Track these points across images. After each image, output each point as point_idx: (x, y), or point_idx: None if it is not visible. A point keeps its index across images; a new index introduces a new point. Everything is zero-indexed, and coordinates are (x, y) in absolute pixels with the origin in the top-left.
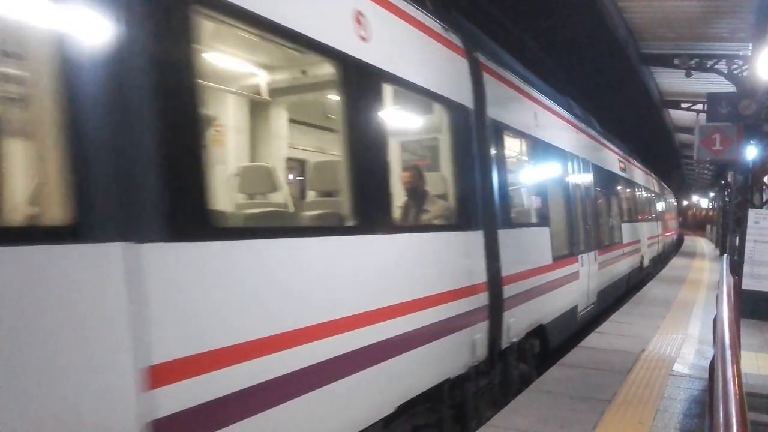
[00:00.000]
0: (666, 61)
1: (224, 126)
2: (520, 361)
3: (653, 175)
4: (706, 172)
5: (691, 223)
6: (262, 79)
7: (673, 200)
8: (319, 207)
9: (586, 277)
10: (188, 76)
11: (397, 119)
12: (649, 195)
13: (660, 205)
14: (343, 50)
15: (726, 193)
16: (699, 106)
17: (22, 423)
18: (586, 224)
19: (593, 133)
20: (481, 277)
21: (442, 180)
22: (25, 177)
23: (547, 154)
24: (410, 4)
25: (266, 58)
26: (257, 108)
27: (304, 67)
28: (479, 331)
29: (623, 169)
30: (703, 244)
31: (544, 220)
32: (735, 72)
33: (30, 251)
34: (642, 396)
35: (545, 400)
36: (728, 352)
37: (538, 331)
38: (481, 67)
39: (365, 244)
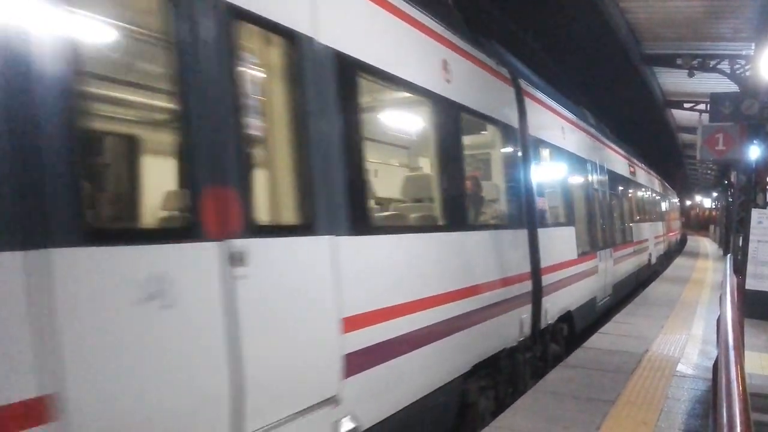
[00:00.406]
0: (668, 61)
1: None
2: (553, 341)
3: (658, 177)
4: (709, 172)
5: (695, 223)
6: (388, 117)
7: (676, 201)
8: (419, 210)
9: (603, 272)
10: (359, 126)
11: (466, 140)
12: (655, 196)
13: (665, 206)
14: (436, 91)
15: (729, 193)
16: (702, 106)
17: (287, 349)
18: (603, 224)
19: (606, 140)
20: (527, 267)
21: (495, 187)
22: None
23: (572, 162)
24: (474, 47)
25: (385, 99)
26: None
27: (409, 104)
28: (525, 312)
29: (632, 173)
30: (706, 244)
31: (570, 220)
32: (738, 72)
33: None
34: (646, 396)
35: (549, 400)
36: (732, 353)
37: (566, 317)
38: (523, 92)
39: (450, 239)
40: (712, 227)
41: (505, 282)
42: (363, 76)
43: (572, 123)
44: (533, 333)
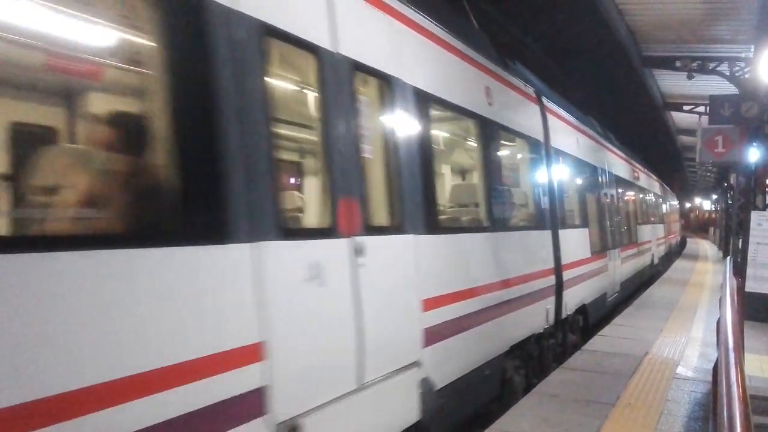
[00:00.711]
0: (668, 64)
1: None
2: (570, 332)
3: (660, 180)
4: (708, 174)
5: (694, 225)
6: (448, 137)
7: (676, 203)
8: (470, 214)
9: (612, 270)
10: (431, 148)
11: (504, 152)
12: (657, 200)
13: (666, 209)
14: (482, 113)
15: (729, 196)
16: (701, 109)
17: (389, 320)
18: (611, 226)
19: (612, 146)
20: (551, 264)
21: (524, 194)
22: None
23: (585, 169)
24: (506, 71)
25: (448, 123)
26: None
27: (463, 126)
28: (550, 304)
29: (636, 178)
30: (706, 246)
31: (584, 222)
32: (737, 74)
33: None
34: (646, 399)
35: (549, 403)
36: (732, 355)
37: (582, 310)
38: (545, 108)
39: (494, 238)
40: (711, 229)
41: (535, 276)
42: (434, 106)
43: (584, 133)
44: (556, 322)
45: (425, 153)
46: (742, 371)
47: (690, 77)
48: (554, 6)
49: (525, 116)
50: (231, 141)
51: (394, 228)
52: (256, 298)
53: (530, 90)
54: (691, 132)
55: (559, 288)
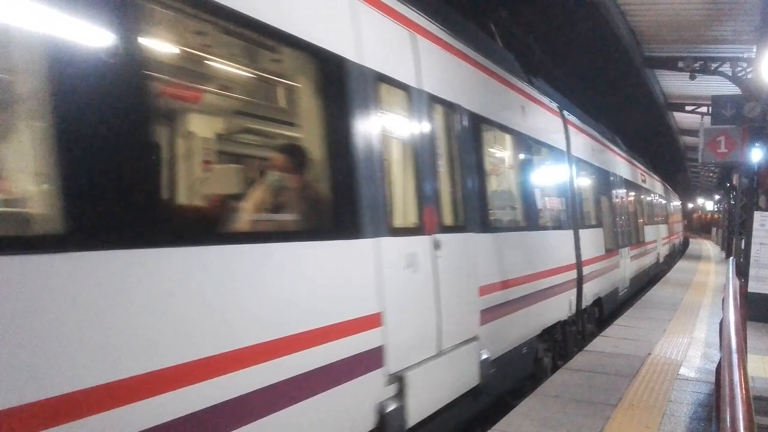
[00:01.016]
0: (670, 64)
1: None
2: (588, 322)
3: (664, 182)
4: (711, 174)
5: (697, 225)
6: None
7: (679, 204)
8: (511, 216)
9: (623, 267)
10: (485, 160)
11: (535, 162)
12: (662, 201)
13: (670, 210)
14: (519, 129)
15: (731, 196)
16: (703, 109)
17: (457, 302)
18: (622, 226)
19: (622, 152)
20: (573, 259)
21: (552, 197)
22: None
23: (599, 174)
24: (537, 91)
25: (496, 140)
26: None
27: (507, 142)
28: (572, 295)
29: (643, 181)
30: (708, 247)
31: (599, 222)
32: (739, 74)
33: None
34: (648, 400)
35: (552, 404)
36: (735, 356)
37: (597, 302)
38: (567, 121)
39: (530, 236)
40: (714, 230)
41: (562, 270)
42: (485, 126)
43: (598, 141)
44: (577, 312)
45: (480, 166)
46: (745, 372)
47: (692, 78)
48: (557, 7)
49: (551, 130)
50: (365, 169)
51: (459, 227)
52: (377, 279)
53: (554, 105)
54: (693, 132)
55: (579, 281)
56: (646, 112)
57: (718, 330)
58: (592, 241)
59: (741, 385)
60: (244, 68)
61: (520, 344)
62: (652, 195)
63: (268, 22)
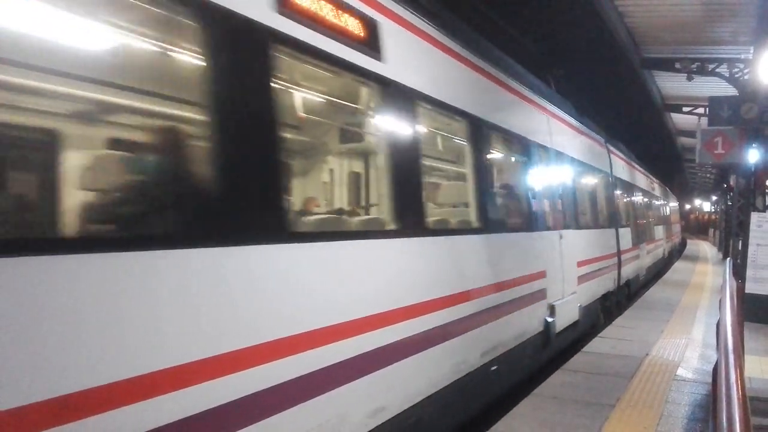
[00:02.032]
0: (667, 65)
1: None
2: (622, 296)
3: (667, 187)
4: (708, 175)
5: (694, 226)
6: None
7: (677, 205)
8: (586, 219)
9: (642, 258)
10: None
11: (596, 183)
12: (666, 205)
13: (672, 212)
14: (587, 162)
15: (728, 197)
16: (701, 110)
17: (569, 269)
18: (641, 226)
19: (640, 167)
20: (615, 249)
21: (606, 205)
22: None
23: (629, 188)
24: (588, 129)
25: (576, 170)
26: None
27: (582, 172)
28: (615, 274)
29: (653, 189)
30: (705, 247)
31: (628, 223)
32: (736, 75)
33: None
34: (646, 401)
35: (549, 405)
36: (731, 356)
37: (627, 283)
38: (609, 150)
39: (597, 232)
40: (711, 231)
41: (612, 255)
42: (572, 162)
43: (625, 161)
44: (617, 286)
45: (580, 187)
46: (741, 373)
47: (689, 79)
48: (553, 7)
49: (603, 159)
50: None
51: (566, 227)
52: (542, 249)
53: (601, 139)
54: (690, 133)
55: (619, 266)
56: (644, 112)
57: (715, 331)
58: (625, 237)
59: (738, 386)
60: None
61: (593, 301)
62: (660, 201)
63: None
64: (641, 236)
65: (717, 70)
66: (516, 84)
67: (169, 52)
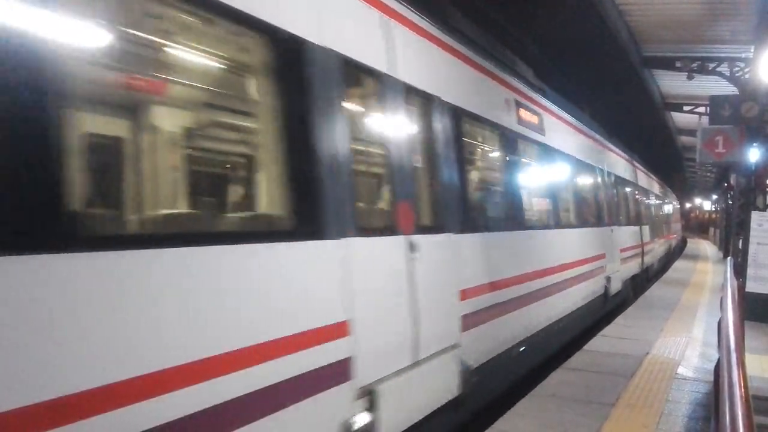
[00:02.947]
0: (668, 64)
1: None
2: (643, 279)
3: (670, 189)
4: (708, 174)
5: (694, 225)
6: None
7: (678, 204)
8: (623, 219)
9: (656, 250)
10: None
11: (627, 192)
12: (671, 205)
13: (675, 211)
14: (623, 176)
15: (729, 196)
16: (701, 109)
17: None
18: (654, 224)
19: (655, 176)
20: (639, 242)
21: (634, 209)
22: None
23: (646, 193)
24: (618, 148)
25: (622, 184)
26: None
27: (618, 185)
28: (639, 261)
29: (664, 194)
30: (706, 247)
31: (646, 222)
32: (737, 74)
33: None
34: (646, 399)
35: (549, 403)
36: (733, 355)
37: (646, 269)
38: (635, 166)
39: (629, 229)
40: (711, 230)
41: (638, 246)
42: (618, 178)
43: (644, 173)
44: (640, 270)
45: (620, 194)
46: (743, 372)
47: (690, 77)
48: (554, 6)
49: (632, 173)
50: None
51: (615, 224)
52: (603, 239)
53: (629, 155)
54: (691, 132)
55: (642, 255)
56: (644, 111)
57: (715, 330)
58: (646, 233)
59: (740, 385)
60: None
61: (626, 280)
62: (666, 202)
63: None
64: (656, 233)
65: (717, 69)
66: (612, 145)
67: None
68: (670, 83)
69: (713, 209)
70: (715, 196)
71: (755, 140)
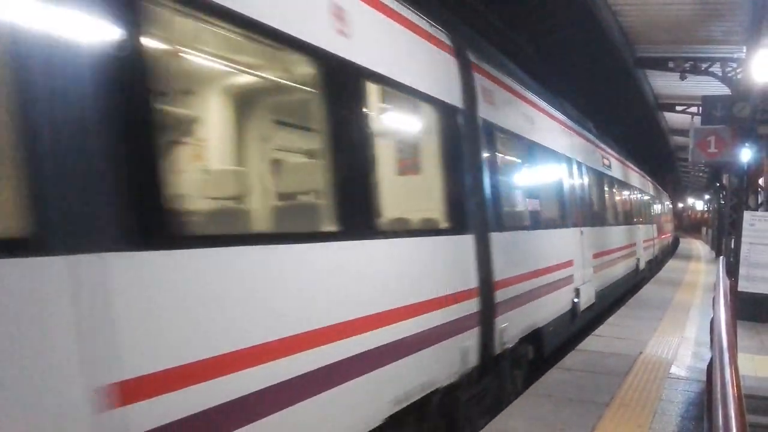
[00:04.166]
0: (660, 64)
1: None
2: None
3: (665, 191)
4: (701, 174)
5: (687, 225)
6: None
7: (670, 204)
8: (635, 218)
9: (658, 244)
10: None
11: (641, 198)
12: (663, 203)
13: (669, 210)
14: (646, 190)
15: (721, 196)
16: (694, 109)
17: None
18: (659, 223)
19: (647, 176)
20: (653, 235)
21: (646, 209)
22: None
23: (654, 197)
24: (638, 167)
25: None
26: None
27: (615, 185)
28: (651, 250)
29: (659, 193)
30: (698, 246)
31: (654, 220)
32: (729, 75)
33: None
34: (639, 399)
35: (543, 403)
36: (726, 355)
37: (654, 260)
38: (648, 179)
39: (645, 227)
40: (704, 229)
41: (651, 239)
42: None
43: (653, 183)
44: (653, 257)
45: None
46: (736, 371)
47: (683, 78)
48: (547, 6)
49: (645, 186)
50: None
51: (648, 223)
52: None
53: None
54: (683, 132)
55: (652, 247)
56: (637, 111)
57: (708, 329)
58: (656, 229)
59: (733, 384)
60: None
61: (649, 261)
62: (664, 201)
63: None
64: (659, 230)
65: (710, 69)
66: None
67: None
68: (663, 83)
69: (705, 209)
70: (707, 196)
71: (747, 140)
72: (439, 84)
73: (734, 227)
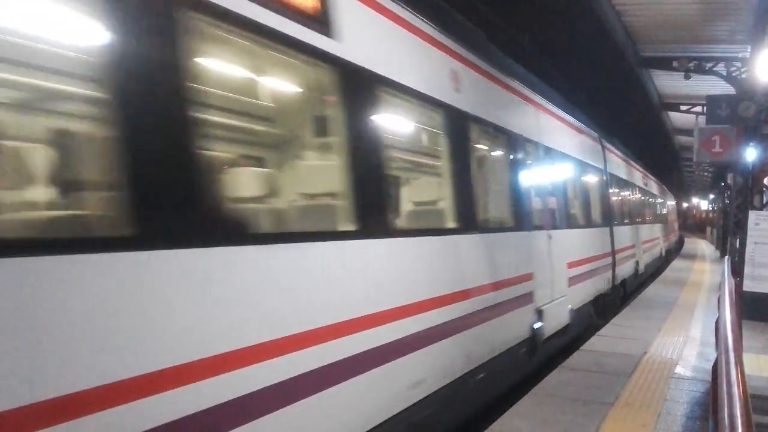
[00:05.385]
0: (665, 64)
1: None
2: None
3: (670, 191)
4: (705, 174)
5: (692, 225)
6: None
7: (674, 203)
8: (641, 216)
9: (668, 242)
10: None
11: (658, 200)
12: (667, 203)
13: (673, 210)
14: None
15: (726, 195)
16: (698, 109)
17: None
18: (666, 223)
19: (647, 172)
20: (656, 236)
21: (657, 209)
22: None
23: (662, 201)
24: (588, 133)
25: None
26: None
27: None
28: (662, 246)
29: (663, 192)
30: (703, 246)
31: (660, 221)
32: (734, 74)
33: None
34: (644, 399)
35: (547, 403)
36: (731, 354)
37: (664, 254)
38: (660, 186)
39: (658, 226)
40: (709, 229)
41: (660, 237)
42: (652, 197)
43: (661, 187)
44: (661, 255)
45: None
46: (742, 370)
47: (687, 77)
48: (551, 6)
49: (660, 192)
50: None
51: (657, 222)
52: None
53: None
54: (688, 132)
55: (662, 243)
56: (642, 111)
57: (713, 329)
58: (664, 228)
59: (738, 384)
60: None
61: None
62: (669, 202)
63: None
64: (667, 229)
65: (714, 68)
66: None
67: None
68: (668, 83)
69: (710, 208)
70: (712, 196)
71: (752, 140)
72: (593, 156)
73: (739, 227)
